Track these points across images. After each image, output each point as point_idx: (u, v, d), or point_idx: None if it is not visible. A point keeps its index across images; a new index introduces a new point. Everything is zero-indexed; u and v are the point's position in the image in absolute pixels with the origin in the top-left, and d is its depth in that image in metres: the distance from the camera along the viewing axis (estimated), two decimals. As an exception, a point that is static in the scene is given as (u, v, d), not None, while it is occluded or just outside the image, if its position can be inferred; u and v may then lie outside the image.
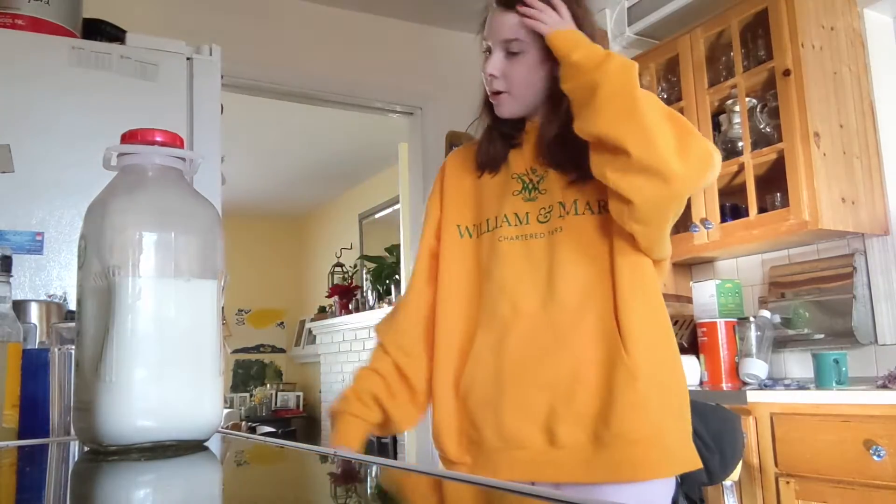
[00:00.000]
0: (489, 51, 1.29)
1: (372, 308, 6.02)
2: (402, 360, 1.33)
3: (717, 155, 1.17)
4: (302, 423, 7.31)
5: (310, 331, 7.27)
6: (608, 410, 1.15)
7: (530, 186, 1.30)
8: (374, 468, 0.69)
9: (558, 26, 1.19)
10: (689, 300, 3.09)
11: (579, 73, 1.14)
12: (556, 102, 1.24)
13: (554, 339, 1.20)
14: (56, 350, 1.03)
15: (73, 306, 1.34)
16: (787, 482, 2.07)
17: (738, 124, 2.73)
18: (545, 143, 1.27)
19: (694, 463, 1.21)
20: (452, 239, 1.35)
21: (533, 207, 1.27)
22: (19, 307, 1.35)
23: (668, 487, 1.20)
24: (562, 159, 1.25)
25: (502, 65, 1.27)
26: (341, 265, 7.03)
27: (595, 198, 1.23)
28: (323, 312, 7.01)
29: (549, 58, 1.23)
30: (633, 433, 1.15)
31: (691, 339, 2.94)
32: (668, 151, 1.09)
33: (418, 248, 1.40)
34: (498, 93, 1.28)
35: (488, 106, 1.35)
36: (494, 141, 1.35)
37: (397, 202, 4.78)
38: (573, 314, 1.20)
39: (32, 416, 0.99)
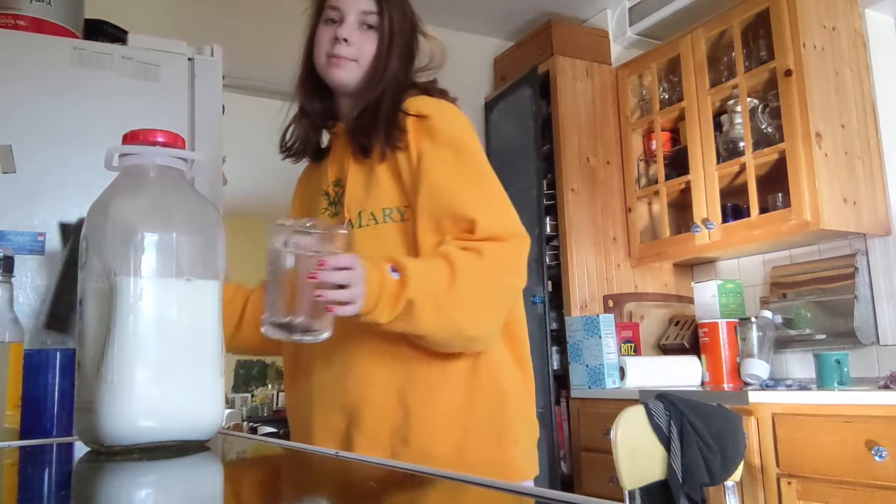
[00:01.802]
0: (338, 19, 1.23)
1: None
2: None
3: (520, 273, 1.14)
4: (303, 424, 7.31)
5: (311, 331, 7.25)
6: (404, 428, 1.12)
7: (334, 200, 1.25)
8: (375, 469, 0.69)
9: (361, 299, 1.01)
10: (691, 300, 3.09)
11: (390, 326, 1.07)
12: (390, 83, 1.21)
13: (345, 362, 1.17)
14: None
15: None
16: (789, 482, 2.07)
17: (740, 124, 2.73)
18: (371, 118, 1.20)
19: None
20: None
21: (338, 223, 1.22)
22: (21, 307, 1.35)
23: None
24: (370, 138, 1.19)
25: (356, 34, 1.22)
26: (342, 265, 7.02)
27: (379, 207, 1.18)
28: (324, 312, 7.00)
29: (401, 41, 1.22)
30: (433, 449, 1.11)
31: (693, 340, 2.94)
32: (478, 332, 1.11)
33: None
34: (344, 58, 1.22)
35: (310, 79, 1.29)
36: (303, 120, 1.31)
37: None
38: (361, 335, 1.14)
39: (34, 417, 0.99)
